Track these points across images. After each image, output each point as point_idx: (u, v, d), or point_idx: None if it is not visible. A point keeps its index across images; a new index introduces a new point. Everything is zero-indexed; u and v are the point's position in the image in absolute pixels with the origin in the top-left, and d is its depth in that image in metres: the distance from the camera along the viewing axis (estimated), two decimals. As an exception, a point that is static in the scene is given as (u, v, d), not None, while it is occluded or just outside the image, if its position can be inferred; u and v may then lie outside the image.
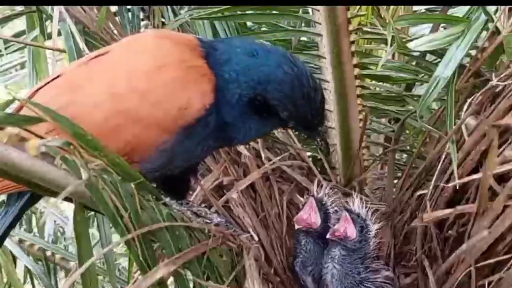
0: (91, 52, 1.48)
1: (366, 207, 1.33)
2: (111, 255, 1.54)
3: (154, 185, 1.11)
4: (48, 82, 1.12)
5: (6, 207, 1.11)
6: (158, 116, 1.01)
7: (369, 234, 1.31)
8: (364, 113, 1.59)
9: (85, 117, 0.98)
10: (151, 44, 1.11)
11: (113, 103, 1.02)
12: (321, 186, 1.37)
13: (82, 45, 1.55)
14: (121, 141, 1.01)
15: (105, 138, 0.91)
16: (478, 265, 1.16)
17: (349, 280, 1.27)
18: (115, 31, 1.72)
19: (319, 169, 1.64)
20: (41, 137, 0.82)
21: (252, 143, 1.50)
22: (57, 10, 1.54)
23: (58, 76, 1.12)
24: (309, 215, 1.31)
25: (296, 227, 1.33)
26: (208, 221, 1.18)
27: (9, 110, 0.96)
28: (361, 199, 1.36)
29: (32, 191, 1.04)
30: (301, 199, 1.40)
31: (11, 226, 1.11)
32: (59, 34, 1.58)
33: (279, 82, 1.05)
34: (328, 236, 1.27)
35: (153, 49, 1.09)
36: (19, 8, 1.83)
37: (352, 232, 1.27)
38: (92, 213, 2.56)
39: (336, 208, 1.34)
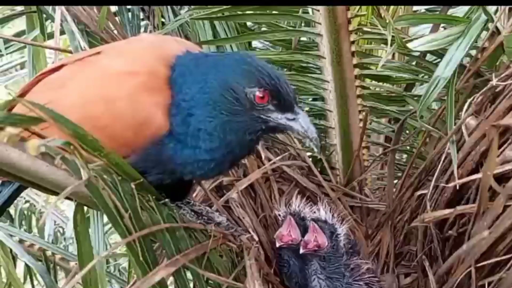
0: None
1: (331, 212, 1.35)
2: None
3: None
4: (48, 72, 1.12)
5: (1, 187, 1.13)
6: (117, 128, 0.99)
7: (339, 238, 1.33)
8: (364, 113, 1.59)
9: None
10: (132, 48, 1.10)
11: (83, 107, 1.01)
12: (297, 200, 1.37)
13: (83, 44, 1.55)
14: None
15: None
16: (478, 265, 1.16)
17: (338, 285, 1.30)
18: (115, 31, 1.72)
19: (319, 169, 1.64)
20: (42, 137, 0.82)
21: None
22: (58, 10, 1.54)
23: (61, 66, 1.12)
24: (289, 231, 1.31)
25: (277, 244, 1.31)
26: (209, 220, 1.18)
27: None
28: (326, 205, 1.38)
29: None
30: (278, 212, 1.39)
31: (6, 203, 1.13)
32: (60, 33, 1.58)
33: None
34: (301, 251, 1.27)
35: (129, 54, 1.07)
36: (19, 8, 1.83)
37: (323, 240, 1.28)
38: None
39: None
